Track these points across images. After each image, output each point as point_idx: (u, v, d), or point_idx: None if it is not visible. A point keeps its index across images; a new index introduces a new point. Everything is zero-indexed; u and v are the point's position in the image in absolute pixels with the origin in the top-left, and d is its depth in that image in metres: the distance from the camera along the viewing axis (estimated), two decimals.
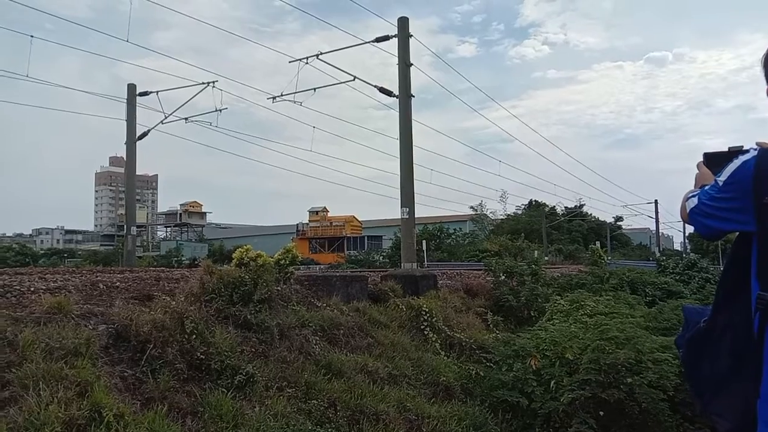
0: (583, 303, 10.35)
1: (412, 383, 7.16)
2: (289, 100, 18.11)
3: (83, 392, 3.95)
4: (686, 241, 61.67)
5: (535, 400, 6.84)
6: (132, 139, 21.47)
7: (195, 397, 4.84)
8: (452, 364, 8.33)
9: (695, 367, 1.85)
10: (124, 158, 22.81)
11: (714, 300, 1.82)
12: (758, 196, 1.57)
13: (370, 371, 6.77)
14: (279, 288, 7.46)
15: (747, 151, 1.74)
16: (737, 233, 1.73)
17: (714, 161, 1.88)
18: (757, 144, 1.76)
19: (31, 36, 16.93)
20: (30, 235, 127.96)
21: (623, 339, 7.00)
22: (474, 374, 7.95)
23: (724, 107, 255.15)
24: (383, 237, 57.81)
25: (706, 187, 1.79)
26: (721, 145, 1.89)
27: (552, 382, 6.89)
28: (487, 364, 8.47)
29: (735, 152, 1.78)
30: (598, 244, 28.04)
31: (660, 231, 58.76)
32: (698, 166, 2.00)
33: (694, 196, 1.84)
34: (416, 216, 14.67)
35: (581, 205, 68.53)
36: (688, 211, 1.84)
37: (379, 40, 15.17)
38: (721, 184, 1.70)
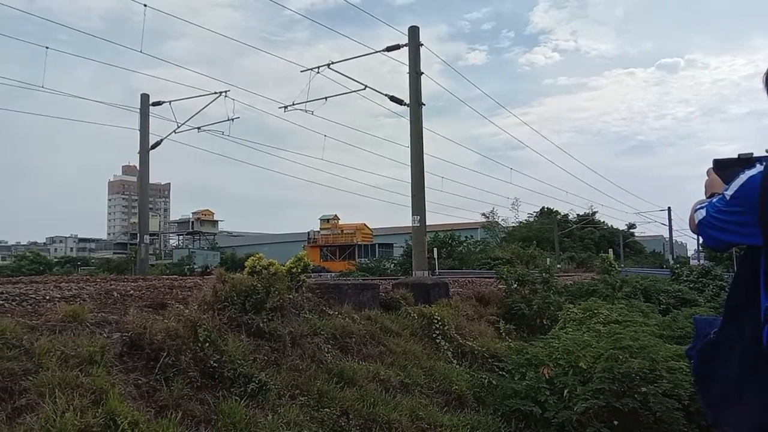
0: (596, 311, 10.29)
1: (425, 392, 7.14)
2: (301, 109, 18.24)
3: (98, 400, 3.99)
4: (699, 248, 60.99)
5: (549, 409, 6.80)
6: (145, 149, 21.70)
7: (208, 405, 4.86)
8: (464, 372, 8.29)
9: (706, 378, 1.86)
10: (137, 167, 23.09)
11: (723, 312, 1.83)
12: (764, 210, 1.57)
13: (383, 380, 6.76)
14: (291, 296, 7.47)
15: (758, 159, 1.75)
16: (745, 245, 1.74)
17: (724, 168, 1.89)
18: (767, 151, 1.76)
19: (47, 47, 17.22)
20: (44, 243, 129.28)
21: (637, 348, 6.95)
22: (486, 383, 7.91)
23: (737, 113, 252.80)
24: (394, 245, 57.77)
25: (714, 200, 1.80)
26: (734, 152, 1.89)
27: (565, 391, 6.85)
28: (500, 372, 8.43)
29: (745, 159, 1.79)
30: (610, 251, 27.77)
31: (674, 238, 58.25)
32: (708, 172, 2.02)
33: (702, 207, 1.85)
34: (427, 224, 14.64)
35: (593, 213, 68.17)
36: (696, 222, 1.86)
37: (389, 49, 15.25)
38: (728, 197, 1.71)
